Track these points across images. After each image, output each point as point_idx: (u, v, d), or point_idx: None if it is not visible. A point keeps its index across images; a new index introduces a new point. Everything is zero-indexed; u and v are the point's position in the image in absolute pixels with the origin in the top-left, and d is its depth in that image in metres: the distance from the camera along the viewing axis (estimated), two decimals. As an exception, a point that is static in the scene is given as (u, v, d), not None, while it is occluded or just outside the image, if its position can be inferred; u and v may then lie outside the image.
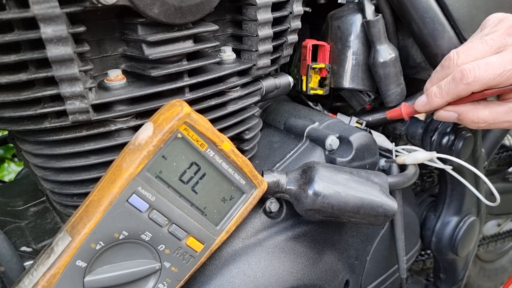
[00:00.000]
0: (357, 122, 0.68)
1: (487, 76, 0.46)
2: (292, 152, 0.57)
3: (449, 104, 0.53)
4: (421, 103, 0.55)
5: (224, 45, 0.50)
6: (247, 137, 0.51)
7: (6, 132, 0.72)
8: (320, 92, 0.65)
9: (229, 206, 0.43)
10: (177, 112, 0.36)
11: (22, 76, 0.34)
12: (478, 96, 0.50)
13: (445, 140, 0.67)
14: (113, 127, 0.39)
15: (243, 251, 0.50)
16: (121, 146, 0.38)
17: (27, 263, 0.44)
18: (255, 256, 0.50)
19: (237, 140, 0.51)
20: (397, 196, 0.62)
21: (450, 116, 0.53)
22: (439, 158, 0.65)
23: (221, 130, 0.46)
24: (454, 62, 0.50)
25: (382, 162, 0.63)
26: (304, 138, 0.58)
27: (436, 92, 0.52)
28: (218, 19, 0.48)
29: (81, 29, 0.35)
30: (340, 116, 0.69)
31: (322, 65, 0.63)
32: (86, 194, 0.38)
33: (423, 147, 0.69)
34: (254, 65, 0.48)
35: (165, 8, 0.37)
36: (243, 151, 0.52)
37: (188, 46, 0.42)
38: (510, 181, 1.08)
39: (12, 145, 0.49)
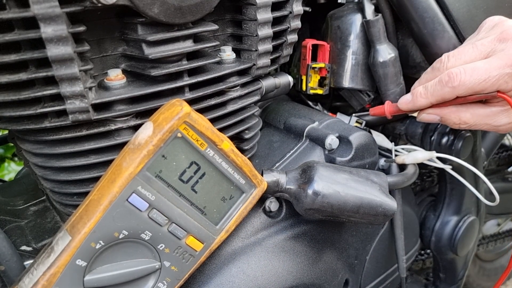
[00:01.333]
0: (356, 121, 0.68)
1: (472, 81, 0.47)
2: (291, 152, 0.57)
3: (432, 106, 0.53)
4: (405, 101, 0.55)
5: (224, 44, 0.50)
6: (246, 136, 0.51)
7: (6, 132, 0.72)
8: (319, 91, 0.65)
9: (229, 205, 0.44)
10: (177, 112, 0.36)
11: (22, 76, 0.34)
12: (461, 101, 0.50)
13: (444, 140, 0.68)
14: (113, 127, 0.39)
15: (243, 251, 0.50)
16: (121, 145, 0.38)
17: (27, 262, 0.44)
18: (254, 255, 0.50)
19: (237, 139, 0.52)
20: (397, 196, 0.63)
21: (432, 118, 0.54)
22: (438, 158, 0.65)
23: (221, 130, 0.46)
24: (444, 65, 0.51)
25: (382, 161, 0.63)
26: (304, 138, 0.58)
27: (422, 92, 0.52)
28: (218, 18, 0.48)
29: (81, 28, 0.35)
30: (339, 116, 0.69)
31: (322, 65, 0.63)
32: (86, 194, 0.38)
33: (422, 146, 0.69)
34: (254, 64, 0.48)
35: (165, 8, 0.37)
36: (242, 151, 0.52)
37: (188, 45, 0.42)
38: (510, 180, 1.08)
39: (12, 144, 0.49)
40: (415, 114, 0.73)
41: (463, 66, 0.48)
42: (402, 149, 0.65)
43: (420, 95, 0.52)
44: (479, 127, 0.53)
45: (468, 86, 0.47)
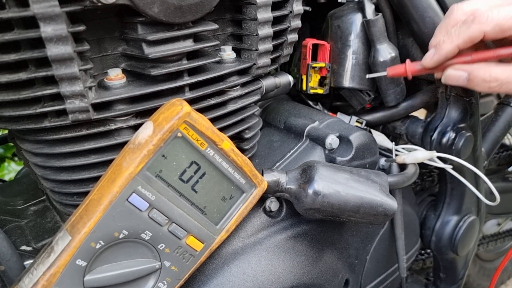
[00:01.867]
0: (357, 121, 0.68)
1: (500, 17, 0.45)
2: (292, 151, 0.57)
3: (460, 58, 0.49)
4: (429, 55, 0.51)
5: (224, 44, 0.50)
6: (247, 136, 0.51)
7: (6, 131, 0.72)
8: (320, 91, 0.65)
9: (229, 205, 0.43)
10: (177, 111, 0.36)
11: (22, 75, 0.34)
12: (491, 56, 0.48)
13: (445, 139, 0.67)
14: (113, 126, 0.39)
15: (243, 250, 0.50)
16: (121, 145, 0.38)
17: (27, 262, 0.44)
18: (255, 255, 0.50)
19: (237, 139, 0.51)
20: (397, 196, 0.62)
21: (459, 76, 0.49)
22: (439, 158, 0.65)
23: (221, 129, 0.46)
24: (456, 8, 0.49)
25: (382, 161, 0.63)
26: (304, 137, 0.58)
27: (445, 38, 0.48)
28: (218, 18, 0.48)
29: (81, 28, 0.35)
30: (340, 115, 0.69)
31: (322, 64, 0.63)
32: (86, 193, 0.38)
33: (423, 146, 0.69)
34: (254, 64, 0.48)
35: (165, 7, 0.37)
36: (243, 150, 0.52)
37: (188, 45, 0.42)
38: (510, 180, 1.08)
39: (12, 144, 0.49)
40: (417, 115, 0.73)
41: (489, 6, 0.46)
42: (403, 148, 0.64)
43: (444, 42, 0.48)
44: (510, 86, 0.48)
45: (496, 22, 0.45)
